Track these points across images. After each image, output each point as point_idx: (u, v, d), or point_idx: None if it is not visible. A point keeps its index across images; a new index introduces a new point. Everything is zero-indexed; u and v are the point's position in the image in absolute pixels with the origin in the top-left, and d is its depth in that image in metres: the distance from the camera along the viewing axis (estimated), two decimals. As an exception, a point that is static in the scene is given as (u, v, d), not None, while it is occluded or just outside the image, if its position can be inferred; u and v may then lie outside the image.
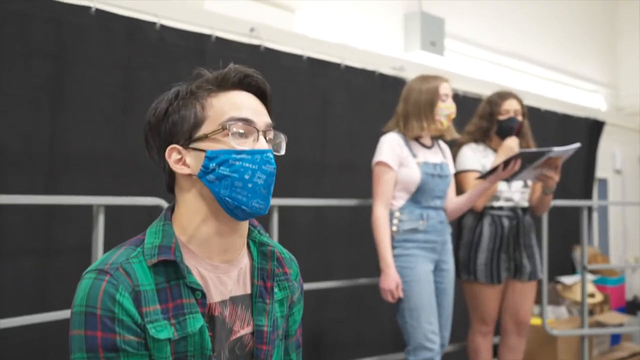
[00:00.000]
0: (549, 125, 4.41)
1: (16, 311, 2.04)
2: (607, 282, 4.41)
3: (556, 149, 2.35)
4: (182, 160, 1.03)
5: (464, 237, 2.75)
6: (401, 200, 2.43)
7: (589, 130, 4.99)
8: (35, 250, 2.24)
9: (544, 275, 3.07)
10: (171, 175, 1.06)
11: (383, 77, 3.46)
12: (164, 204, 2.20)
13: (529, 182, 2.75)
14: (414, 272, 2.37)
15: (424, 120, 2.42)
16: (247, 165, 1.00)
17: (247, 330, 1.07)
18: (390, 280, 2.34)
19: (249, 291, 1.09)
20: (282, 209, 2.72)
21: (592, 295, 4.07)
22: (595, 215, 5.42)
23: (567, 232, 4.52)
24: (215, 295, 1.04)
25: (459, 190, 2.68)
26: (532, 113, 3.37)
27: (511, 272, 2.70)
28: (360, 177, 3.23)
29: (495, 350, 3.01)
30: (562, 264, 4.62)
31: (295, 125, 2.99)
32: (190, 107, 1.02)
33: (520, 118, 2.73)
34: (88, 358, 0.92)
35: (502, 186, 2.68)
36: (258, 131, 1.03)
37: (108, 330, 0.92)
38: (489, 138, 2.78)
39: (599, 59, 5.86)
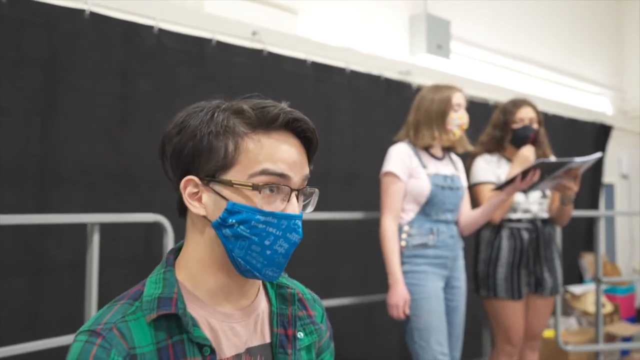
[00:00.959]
0: (555, 130, 4.31)
1: (6, 335, 1.94)
2: (616, 292, 4.31)
3: (577, 159, 2.25)
4: (198, 196, 0.90)
5: (481, 252, 2.64)
6: (410, 213, 2.33)
7: (596, 135, 4.90)
8: (26, 270, 2.12)
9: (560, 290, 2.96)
10: (182, 204, 0.93)
11: (389, 81, 3.36)
12: (163, 220, 2.08)
13: (548, 192, 2.64)
14: (423, 290, 2.27)
15: (435, 129, 2.34)
16: (270, 230, 0.88)
17: None
18: (399, 296, 2.23)
19: (268, 340, 0.97)
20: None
21: (602, 306, 3.96)
22: (602, 222, 5.32)
23: (573, 240, 4.42)
24: (228, 349, 0.91)
25: (475, 204, 2.58)
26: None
27: (532, 287, 2.59)
28: (366, 187, 3.14)
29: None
30: (569, 272, 4.52)
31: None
32: (222, 140, 0.88)
33: (535, 126, 2.62)
34: None
35: (519, 197, 2.58)
36: (291, 190, 0.90)
37: None
38: (502, 148, 2.68)
39: (604, 61, 5.78)
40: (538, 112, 2.67)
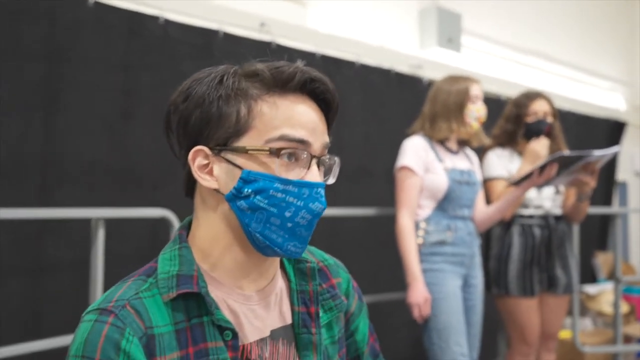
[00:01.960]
0: (568, 127, 4.22)
1: (6, 337, 1.86)
2: (632, 292, 4.21)
3: (596, 152, 2.17)
4: (208, 169, 0.81)
5: (492, 249, 2.56)
6: (427, 209, 2.25)
7: (610, 132, 4.81)
8: (27, 269, 2.05)
9: (575, 288, 2.87)
10: (191, 179, 0.85)
11: (399, 75, 3.29)
12: (170, 215, 2.00)
13: (561, 188, 2.55)
14: (442, 289, 2.20)
15: (454, 121, 2.27)
16: (291, 200, 0.79)
17: None
18: (419, 294, 2.15)
19: (288, 321, 0.88)
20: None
21: (618, 306, 3.87)
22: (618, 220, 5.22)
23: (586, 238, 4.33)
24: (251, 333, 0.82)
25: (486, 200, 2.50)
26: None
27: (544, 284, 2.50)
28: (376, 184, 3.07)
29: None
30: (582, 272, 4.43)
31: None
32: (234, 104, 0.79)
33: (550, 120, 2.54)
34: None
35: (531, 193, 2.50)
36: (312, 157, 0.81)
37: None
38: (515, 142, 2.60)
39: (618, 57, 5.68)
40: (552, 105, 2.58)
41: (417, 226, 2.25)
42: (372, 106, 3.15)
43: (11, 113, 2.02)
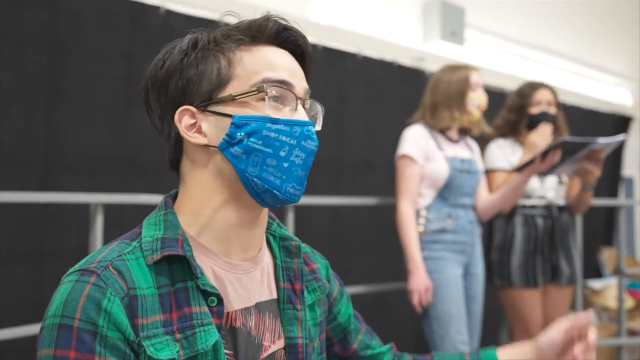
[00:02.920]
0: (574, 122, 4.20)
1: (8, 321, 1.87)
2: (638, 287, 4.18)
3: (601, 140, 2.15)
4: (196, 127, 0.81)
5: (495, 240, 2.54)
6: (428, 198, 2.26)
7: (616, 127, 4.78)
8: (28, 254, 2.06)
9: (578, 279, 2.85)
10: (178, 146, 0.85)
11: (402, 68, 3.29)
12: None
13: (564, 179, 2.54)
14: (442, 277, 2.20)
15: (456, 110, 2.27)
16: (284, 139, 0.79)
17: (279, 345, 0.86)
18: (420, 282, 2.15)
19: (275, 296, 0.88)
20: (298, 209, 2.55)
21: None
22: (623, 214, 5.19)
23: (592, 233, 4.31)
24: (236, 301, 0.82)
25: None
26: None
27: (548, 276, 2.49)
28: (379, 176, 3.07)
29: None
30: (588, 267, 4.41)
31: (310, 120, 2.81)
32: (212, 62, 0.81)
33: (553, 110, 2.52)
34: None
35: (534, 183, 2.48)
36: (297, 98, 0.82)
37: (85, 349, 0.69)
38: (518, 132, 2.58)
39: (624, 51, 5.65)
40: (556, 96, 2.56)
41: (418, 214, 2.25)
42: (374, 99, 3.16)
43: (15, 101, 2.04)
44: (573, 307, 3.16)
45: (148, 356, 0.72)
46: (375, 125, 3.15)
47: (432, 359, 1.06)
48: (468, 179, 2.27)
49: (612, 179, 4.73)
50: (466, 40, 3.88)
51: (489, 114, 2.64)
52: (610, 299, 3.89)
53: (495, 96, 3.55)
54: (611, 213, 4.60)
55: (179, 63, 0.81)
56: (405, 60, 3.39)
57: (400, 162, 2.27)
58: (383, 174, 3.07)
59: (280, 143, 0.79)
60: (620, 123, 4.84)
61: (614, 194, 4.77)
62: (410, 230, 2.20)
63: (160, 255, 0.76)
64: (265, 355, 0.84)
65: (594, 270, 4.51)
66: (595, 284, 4.03)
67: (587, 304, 3.96)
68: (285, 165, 0.80)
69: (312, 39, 2.88)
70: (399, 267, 2.53)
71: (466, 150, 2.35)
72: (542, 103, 2.51)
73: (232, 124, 0.79)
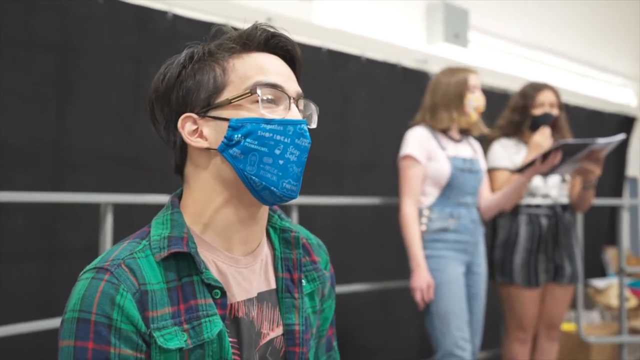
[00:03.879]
0: (577, 122, 4.22)
1: (20, 317, 1.93)
2: (641, 285, 4.20)
3: (600, 140, 2.19)
4: (198, 132, 0.88)
5: (499, 237, 2.58)
6: (431, 197, 2.30)
7: (620, 127, 4.79)
8: (40, 252, 2.12)
9: (580, 278, 2.88)
10: (183, 151, 0.91)
11: (405, 70, 3.32)
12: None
13: (567, 177, 2.57)
14: (443, 275, 2.24)
15: (454, 111, 2.31)
16: (278, 138, 0.85)
17: (277, 332, 0.93)
18: (422, 279, 2.20)
19: (273, 286, 0.95)
20: (302, 208, 2.58)
21: (626, 300, 3.86)
22: (626, 216, 5.20)
23: (596, 232, 4.33)
24: (239, 293, 0.89)
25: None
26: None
27: (550, 274, 2.52)
28: (382, 177, 3.11)
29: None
30: (591, 266, 4.42)
31: (313, 121, 2.85)
32: (208, 71, 0.87)
33: (555, 111, 2.55)
34: None
35: (537, 182, 2.51)
36: (290, 98, 0.88)
37: (102, 341, 0.76)
38: (521, 132, 2.61)
39: (628, 51, 5.65)
40: (559, 97, 2.60)
41: (420, 213, 2.28)
42: (377, 100, 3.19)
43: (27, 103, 2.09)
44: (574, 306, 3.20)
45: (158, 346, 0.79)
46: (378, 126, 3.18)
47: None
48: (470, 178, 2.31)
49: (616, 178, 4.75)
50: (469, 41, 3.91)
51: (493, 114, 2.68)
52: (613, 298, 3.91)
53: (499, 97, 3.59)
54: (615, 213, 4.61)
55: (178, 75, 0.88)
56: (409, 62, 3.42)
57: (403, 163, 2.31)
58: (385, 174, 3.10)
59: (275, 142, 0.85)
60: (624, 123, 4.84)
61: (618, 193, 4.78)
62: (413, 230, 2.24)
63: (167, 252, 0.83)
64: (264, 341, 0.90)
65: (597, 269, 4.52)
66: (599, 282, 4.05)
67: (590, 303, 3.99)
68: (281, 162, 0.85)
69: (316, 41, 2.95)
70: (401, 266, 2.57)
71: (468, 150, 2.39)
72: (544, 104, 2.54)
73: (229, 126, 0.85)
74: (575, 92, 4.69)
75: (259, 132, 0.84)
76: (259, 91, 0.85)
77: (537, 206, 2.52)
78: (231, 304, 0.87)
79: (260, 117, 0.85)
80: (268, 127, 0.85)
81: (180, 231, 0.85)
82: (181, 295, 0.83)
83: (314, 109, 0.95)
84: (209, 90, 0.87)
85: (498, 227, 2.60)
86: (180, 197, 0.93)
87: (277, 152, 0.85)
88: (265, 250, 0.96)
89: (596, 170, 2.33)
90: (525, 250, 2.49)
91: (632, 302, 3.92)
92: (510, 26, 4.41)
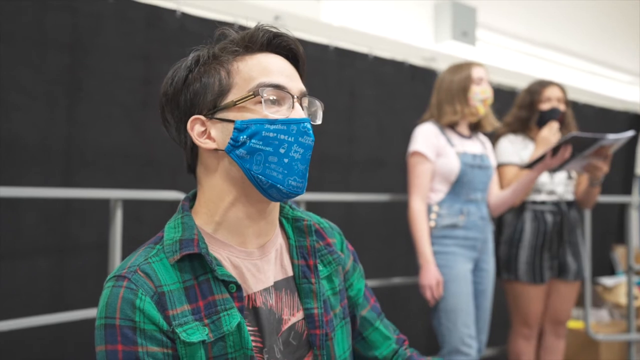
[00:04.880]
0: (586, 120, 4.21)
1: (32, 311, 1.96)
2: (650, 284, 4.18)
3: (610, 136, 2.19)
4: (206, 133, 0.91)
5: (504, 234, 2.59)
6: (440, 193, 2.30)
7: (629, 125, 4.77)
8: (51, 247, 2.15)
9: (587, 276, 2.88)
10: (194, 152, 0.95)
11: (413, 68, 3.32)
12: (186, 198, 2.08)
13: (573, 174, 2.57)
14: (451, 272, 2.24)
15: (457, 103, 2.31)
16: (282, 137, 0.88)
17: (298, 316, 0.97)
18: (431, 276, 2.20)
19: (290, 273, 0.99)
20: (310, 205, 2.59)
21: (634, 298, 3.84)
22: (635, 214, 5.18)
23: (604, 230, 4.32)
24: (255, 284, 0.93)
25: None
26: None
27: (555, 271, 2.53)
28: (389, 175, 3.11)
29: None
30: (600, 264, 4.41)
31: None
32: (213, 74, 0.91)
33: (562, 107, 2.56)
34: None
35: (544, 178, 2.52)
36: (293, 97, 0.91)
37: (129, 342, 0.82)
38: (528, 128, 2.62)
39: (636, 49, 5.62)
40: (565, 93, 2.60)
41: (429, 209, 2.29)
42: (385, 98, 3.19)
43: (38, 101, 2.12)
44: (582, 303, 3.19)
45: (182, 340, 0.84)
46: (386, 124, 3.19)
47: None
48: (479, 174, 2.31)
49: (625, 176, 4.73)
50: (477, 39, 3.91)
51: (501, 112, 2.69)
52: (621, 296, 3.90)
53: (507, 95, 3.59)
54: (624, 211, 4.60)
55: (185, 79, 0.91)
56: (416, 60, 3.43)
57: (411, 159, 2.31)
58: (393, 172, 3.11)
59: (279, 141, 0.88)
60: (632, 121, 4.82)
61: (627, 191, 4.76)
62: (421, 226, 2.24)
63: (179, 255, 0.88)
64: (286, 327, 0.94)
65: (606, 267, 4.51)
66: (607, 280, 4.04)
67: (599, 301, 3.97)
68: (286, 160, 0.88)
69: (323, 39, 2.96)
70: (409, 262, 2.57)
71: (478, 146, 2.38)
72: (551, 99, 2.55)
73: (235, 128, 0.88)
74: (583, 89, 4.68)
75: (263, 132, 0.87)
76: (262, 92, 0.88)
77: (543, 202, 2.52)
78: (248, 295, 0.91)
79: (264, 117, 0.88)
80: (272, 127, 0.88)
81: (191, 233, 0.90)
82: (199, 292, 0.87)
83: (318, 106, 0.97)
84: (215, 92, 0.90)
85: (503, 223, 2.61)
86: (191, 199, 0.97)
87: (282, 150, 0.88)
88: (280, 241, 0.99)
89: (604, 167, 2.33)
90: (531, 247, 2.49)
91: (640, 300, 3.91)
92: (519, 24, 4.41)
